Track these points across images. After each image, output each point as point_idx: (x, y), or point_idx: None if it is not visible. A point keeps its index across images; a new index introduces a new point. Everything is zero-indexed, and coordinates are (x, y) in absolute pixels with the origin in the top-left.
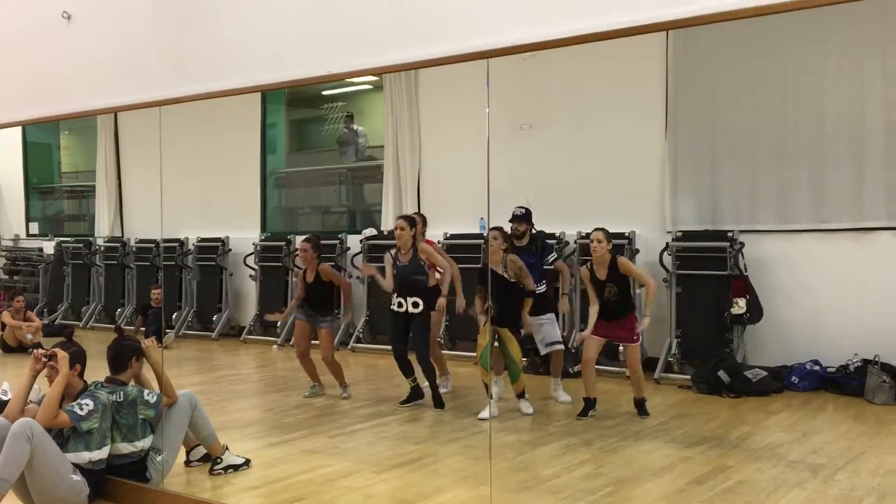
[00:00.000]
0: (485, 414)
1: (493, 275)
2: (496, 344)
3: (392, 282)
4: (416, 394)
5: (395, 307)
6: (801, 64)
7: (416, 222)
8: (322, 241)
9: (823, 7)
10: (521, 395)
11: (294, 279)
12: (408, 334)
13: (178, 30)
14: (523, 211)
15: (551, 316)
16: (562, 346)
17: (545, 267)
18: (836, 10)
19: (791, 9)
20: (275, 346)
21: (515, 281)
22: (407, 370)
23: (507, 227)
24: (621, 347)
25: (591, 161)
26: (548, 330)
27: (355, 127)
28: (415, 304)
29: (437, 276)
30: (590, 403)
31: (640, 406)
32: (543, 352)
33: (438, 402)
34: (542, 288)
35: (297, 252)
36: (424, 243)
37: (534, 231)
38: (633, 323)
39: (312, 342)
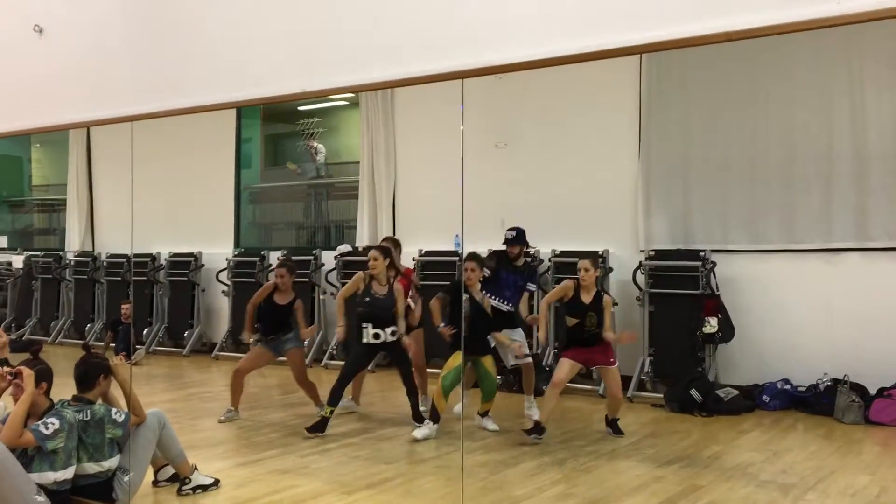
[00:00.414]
0: (419, 433)
1: (471, 301)
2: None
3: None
4: (322, 425)
5: (368, 339)
6: (771, 88)
7: (390, 252)
8: (296, 258)
9: (792, 34)
10: (485, 414)
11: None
12: (367, 365)
13: (151, 45)
14: (514, 234)
15: (521, 332)
16: (531, 360)
17: (527, 290)
18: (804, 37)
19: (760, 35)
20: None
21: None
22: (337, 399)
23: (481, 251)
24: (595, 371)
25: (565, 180)
26: (523, 343)
27: (315, 144)
28: (393, 333)
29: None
30: (538, 427)
31: (615, 425)
32: (511, 363)
33: (419, 417)
34: (505, 306)
35: (276, 278)
36: (399, 283)
37: (527, 250)
38: (609, 348)
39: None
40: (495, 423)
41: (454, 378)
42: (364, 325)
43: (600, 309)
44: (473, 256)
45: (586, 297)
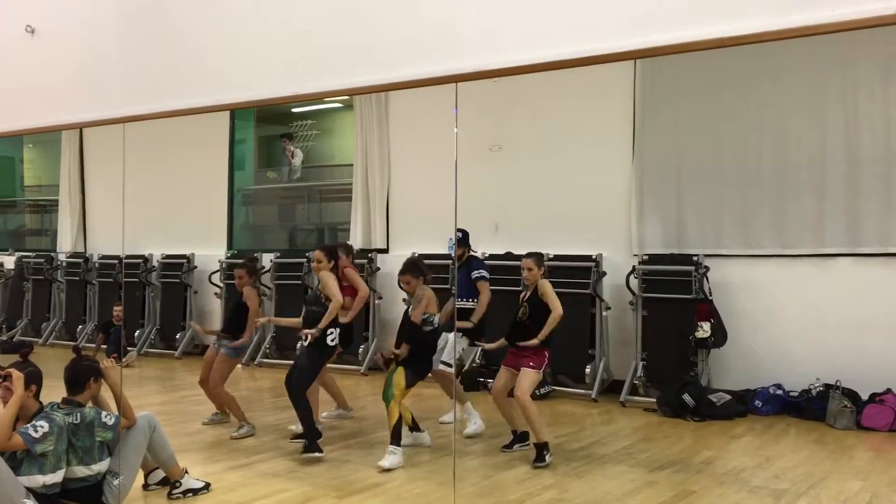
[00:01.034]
0: (385, 463)
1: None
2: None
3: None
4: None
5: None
6: (764, 93)
7: (336, 254)
8: (289, 260)
9: (785, 40)
10: (414, 429)
11: (262, 297)
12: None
13: (143, 47)
14: (460, 235)
15: (452, 335)
16: (448, 369)
17: (477, 280)
18: (798, 43)
19: (753, 41)
20: (239, 366)
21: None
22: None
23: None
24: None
25: (559, 184)
26: (447, 348)
27: (292, 147)
28: (305, 337)
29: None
30: (515, 436)
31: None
32: (434, 367)
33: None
34: (468, 304)
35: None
36: (324, 272)
37: (470, 252)
38: (538, 354)
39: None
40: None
41: (387, 390)
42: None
43: (536, 301)
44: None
45: (526, 293)
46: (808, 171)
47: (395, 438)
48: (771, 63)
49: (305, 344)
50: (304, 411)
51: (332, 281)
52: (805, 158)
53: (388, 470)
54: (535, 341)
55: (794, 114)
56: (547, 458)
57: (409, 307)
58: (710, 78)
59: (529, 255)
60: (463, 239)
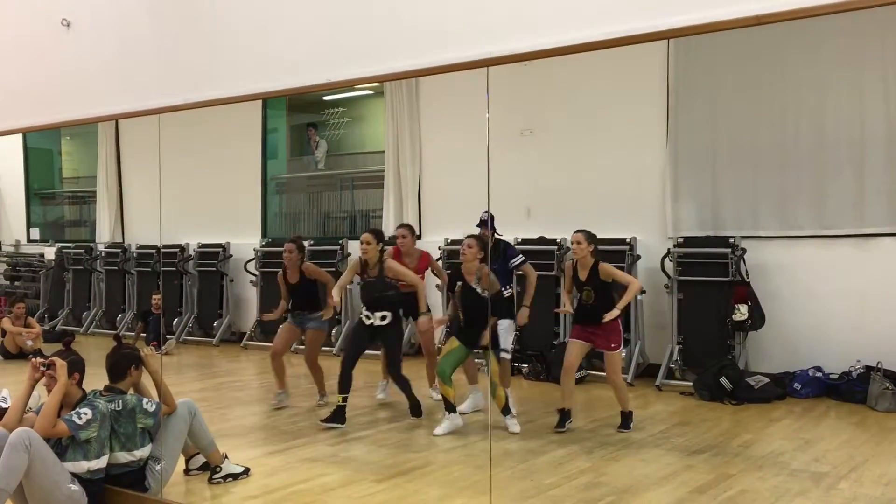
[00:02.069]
0: (439, 430)
1: (465, 288)
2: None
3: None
4: (339, 415)
5: (363, 319)
6: (801, 71)
7: (383, 236)
8: (323, 248)
9: (823, 16)
10: (505, 412)
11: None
12: (365, 348)
13: (177, 37)
14: (487, 215)
15: (510, 323)
16: (508, 356)
17: (514, 271)
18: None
19: (790, 17)
20: None
21: (485, 295)
22: (346, 385)
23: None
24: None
25: (592, 167)
26: (503, 336)
27: (317, 138)
28: (383, 318)
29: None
30: (565, 415)
31: (624, 419)
32: (501, 354)
33: (417, 411)
34: (507, 292)
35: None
36: (391, 260)
37: (497, 236)
38: (612, 331)
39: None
40: (517, 423)
41: (452, 362)
42: (364, 309)
43: (598, 284)
44: (472, 235)
45: (582, 274)
46: (847, 149)
47: (448, 405)
48: (808, 40)
49: (372, 324)
50: (406, 386)
51: (398, 266)
52: (844, 136)
53: (439, 436)
54: (616, 312)
55: (832, 91)
56: (631, 425)
57: (457, 284)
58: (746, 57)
59: (580, 230)
60: (489, 222)
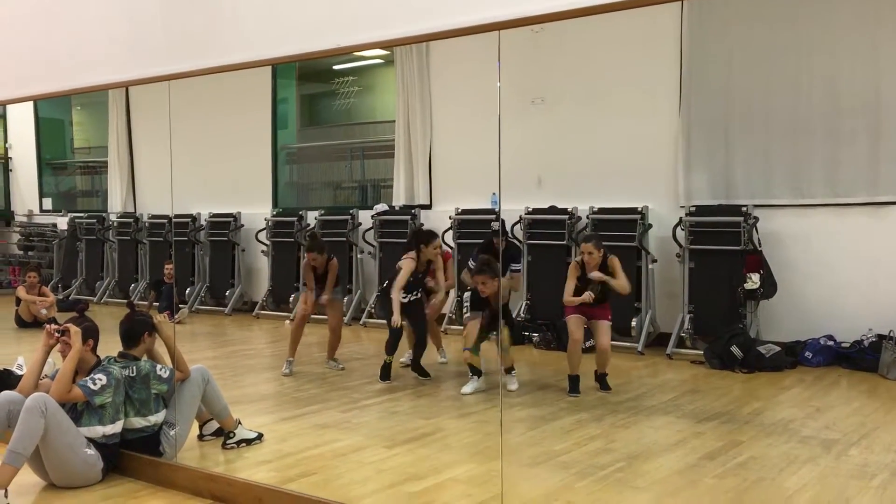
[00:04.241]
0: (467, 388)
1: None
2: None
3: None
4: (386, 371)
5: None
6: (815, 35)
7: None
8: (334, 217)
9: None
10: (509, 370)
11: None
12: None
13: (185, 2)
14: (499, 225)
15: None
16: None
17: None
18: None
19: None
20: (287, 322)
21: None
22: (394, 348)
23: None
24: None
25: (603, 135)
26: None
27: None
28: (415, 294)
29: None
30: (576, 380)
31: (602, 380)
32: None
33: (419, 369)
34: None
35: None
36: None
37: (509, 240)
38: (606, 308)
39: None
40: (516, 381)
41: (477, 345)
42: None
43: (605, 283)
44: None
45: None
46: (862, 116)
47: (475, 369)
48: (822, 4)
49: (413, 298)
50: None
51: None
52: (858, 103)
53: (467, 394)
54: (603, 276)
55: (846, 57)
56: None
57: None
58: (759, 22)
59: (588, 238)
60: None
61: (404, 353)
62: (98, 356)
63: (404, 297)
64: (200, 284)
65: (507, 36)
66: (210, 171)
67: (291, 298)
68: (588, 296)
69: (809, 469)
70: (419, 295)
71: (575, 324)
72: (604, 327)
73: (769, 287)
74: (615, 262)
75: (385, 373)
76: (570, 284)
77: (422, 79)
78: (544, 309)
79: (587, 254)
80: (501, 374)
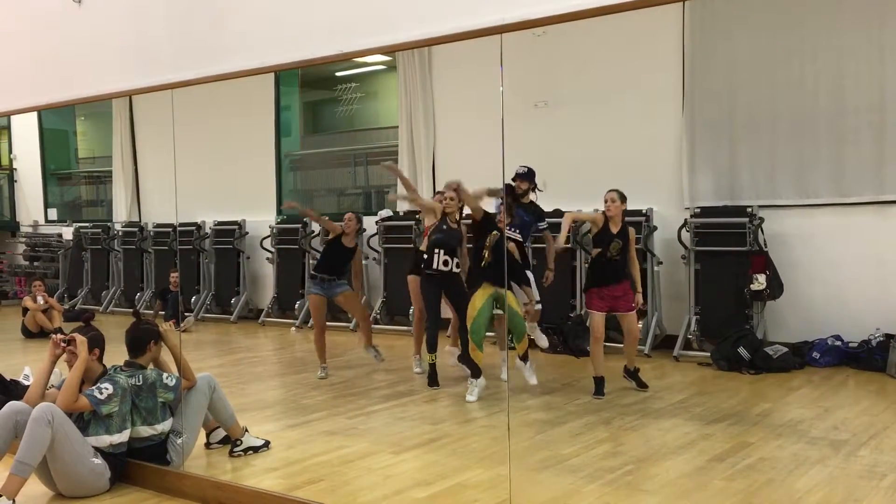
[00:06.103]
0: (471, 397)
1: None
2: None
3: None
4: (433, 375)
5: (437, 265)
6: (820, 35)
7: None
8: (337, 224)
9: None
10: (524, 359)
11: (311, 261)
12: (442, 293)
13: (188, 11)
14: (525, 170)
15: (530, 274)
16: (540, 306)
17: (535, 233)
18: None
19: None
20: (293, 328)
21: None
22: (435, 345)
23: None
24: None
25: (607, 137)
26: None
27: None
28: (457, 265)
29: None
30: (601, 381)
31: (636, 377)
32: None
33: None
34: (527, 244)
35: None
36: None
37: (539, 190)
38: (629, 291)
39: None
40: (534, 374)
41: (483, 324)
42: (437, 250)
43: (626, 239)
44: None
45: (614, 228)
46: (867, 114)
47: (475, 371)
48: (826, 3)
49: (449, 269)
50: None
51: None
52: (863, 102)
53: (472, 402)
54: (639, 298)
55: (851, 57)
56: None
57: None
58: (763, 21)
59: (613, 189)
60: (528, 174)
61: (415, 357)
62: (104, 365)
63: (446, 265)
64: (206, 292)
65: (509, 40)
66: (214, 179)
67: (297, 305)
68: (615, 247)
69: (819, 470)
70: (457, 266)
71: (596, 320)
72: (633, 318)
73: (776, 288)
74: (632, 232)
75: (433, 377)
76: (592, 227)
77: (424, 84)
78: (550, 312)
79: (610, 201)
80: (508, 379)
